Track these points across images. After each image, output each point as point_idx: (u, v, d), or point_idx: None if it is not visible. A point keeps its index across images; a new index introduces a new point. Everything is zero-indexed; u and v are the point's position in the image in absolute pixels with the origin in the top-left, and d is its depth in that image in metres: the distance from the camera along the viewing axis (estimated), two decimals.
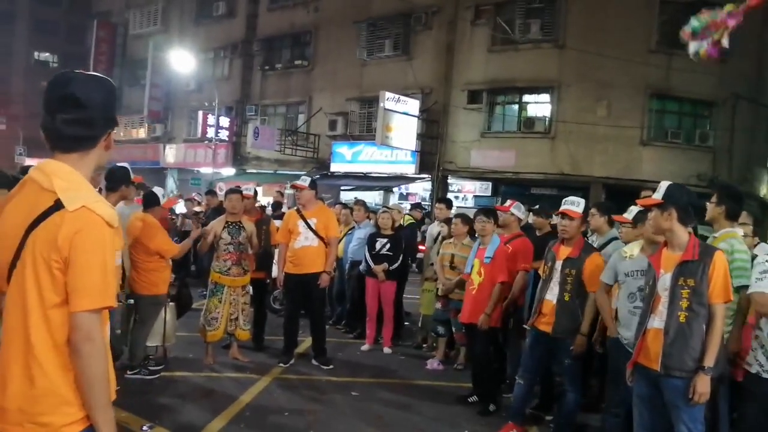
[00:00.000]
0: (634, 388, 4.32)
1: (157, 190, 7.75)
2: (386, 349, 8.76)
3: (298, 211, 7.85)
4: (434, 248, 8.85)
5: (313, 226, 7.68)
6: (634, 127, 19.37)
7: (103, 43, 35.98)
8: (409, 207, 15.22)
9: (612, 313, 5.17)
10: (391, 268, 8.74)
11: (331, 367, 7.74)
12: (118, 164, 6.62)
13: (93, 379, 2.04)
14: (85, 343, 2.02)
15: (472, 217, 7.43)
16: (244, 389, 6.71)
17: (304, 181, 7.89)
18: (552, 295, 5.56)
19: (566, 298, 5.46)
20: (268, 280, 8.76)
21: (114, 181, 6.24)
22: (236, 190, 8.01)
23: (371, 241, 8.92)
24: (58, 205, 2.04)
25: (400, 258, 8.85)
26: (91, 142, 2.20)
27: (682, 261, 4.02)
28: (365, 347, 8.86)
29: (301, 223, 7.71)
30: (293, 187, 8.09)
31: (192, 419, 5.78)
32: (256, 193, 9.42)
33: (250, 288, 7.92)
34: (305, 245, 7.68)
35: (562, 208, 5.63)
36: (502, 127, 21.46)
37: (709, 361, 3.90)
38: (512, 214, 7.14)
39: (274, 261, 8.61)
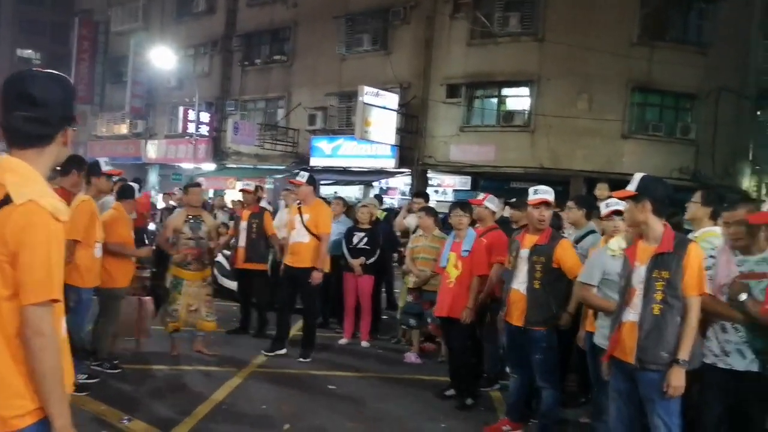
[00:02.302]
0: (611, 383, 4.28)
1: (134, 184, 7.77)
2: (364, 343, 8.72)
3: (299, 206, 7.96)
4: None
5: (305, 222, 7.71)
6: (616, 121, 19.40)
7: (85, 41, 35.81)
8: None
9: (604, 304, 4.82)
10: (368, 262, 8.70)
11: (308, 360, 7.72)
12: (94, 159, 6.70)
13: (45, 372, 2.06)
14: (35, 337, 2.04)
15: (447, 211, 7.38)
16: (222, 382, 6.69)
17: (303, 177, 7.96)
18: (519, 284, 5.49)
19: (536, 286, 5.37)
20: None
21: (66, 164, 5.93)
22: (196, 184, 8.32)
23: (349, 235, 8.88)
24: (6, 200, 2.07)
25: (378, 252, 8.81)
26: (47, 139, 2.24)
27: (656, 253, 3.98)
28: (343, 341, 8.83)
29: (297, 218, 7.83)
30: (290, 183, 8.13)
31: (169, 412, 5.80)
32: (257, 188, 9.72)
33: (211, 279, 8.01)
34: (297, 240, 7.79)
35: (542, 197, 5.45)
36: (481, 121, 21.44)
37: (684, 354, 3.86)
38: (486, 208, 7.08)
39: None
